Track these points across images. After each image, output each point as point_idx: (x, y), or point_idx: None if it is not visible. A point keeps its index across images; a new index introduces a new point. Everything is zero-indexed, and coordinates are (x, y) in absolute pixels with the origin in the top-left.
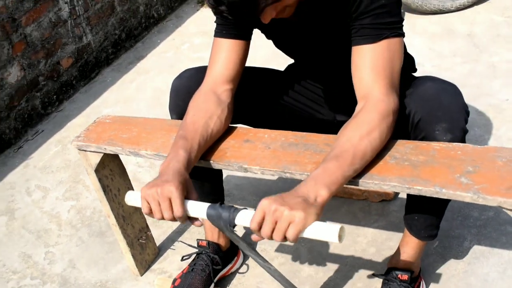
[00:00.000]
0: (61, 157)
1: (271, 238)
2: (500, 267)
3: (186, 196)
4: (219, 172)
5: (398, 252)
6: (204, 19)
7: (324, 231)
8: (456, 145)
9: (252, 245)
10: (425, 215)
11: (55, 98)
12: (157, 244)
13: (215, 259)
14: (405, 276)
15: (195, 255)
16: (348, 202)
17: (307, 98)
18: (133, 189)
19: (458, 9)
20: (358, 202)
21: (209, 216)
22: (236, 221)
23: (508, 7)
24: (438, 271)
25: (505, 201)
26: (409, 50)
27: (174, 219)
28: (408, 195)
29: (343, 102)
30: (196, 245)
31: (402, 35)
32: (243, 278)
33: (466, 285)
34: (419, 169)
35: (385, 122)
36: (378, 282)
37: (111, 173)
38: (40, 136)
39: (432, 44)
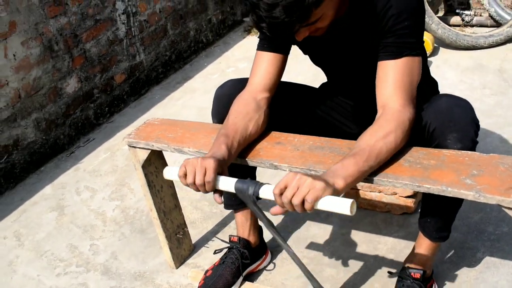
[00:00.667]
0: (109, 163)
1: (290, 204)
2: (510, 276)
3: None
4: (253, 175)
5: (412, 252)
6: (249, 46)
7: (338, 203)
8: (464, 153)
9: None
10: (437, 218)
11: (107, 110)
12: (193, 242)
13: (244, 253)
14: (417, 275)
15: (226, 249)
16: (372, 214)
17: (336, 113)
18: (174, 188)
19: (491, 46)
20: (381, 214)
21: (236, 189)
22: (261, 194)
23: None
24: (450, 277)
25: (503, 200)
26: (441, 83)
27: (202, 186)
28: (423, 200)
29: (368, 117)
30: (228, 241)
31: (420, 54)
32: (269, 275)
33: (472, 284)
34: (429, 171)
35: (400, 128)
36: (394, 281)
37: (156, 170)
38: (91, 144)
39: (464, 77)
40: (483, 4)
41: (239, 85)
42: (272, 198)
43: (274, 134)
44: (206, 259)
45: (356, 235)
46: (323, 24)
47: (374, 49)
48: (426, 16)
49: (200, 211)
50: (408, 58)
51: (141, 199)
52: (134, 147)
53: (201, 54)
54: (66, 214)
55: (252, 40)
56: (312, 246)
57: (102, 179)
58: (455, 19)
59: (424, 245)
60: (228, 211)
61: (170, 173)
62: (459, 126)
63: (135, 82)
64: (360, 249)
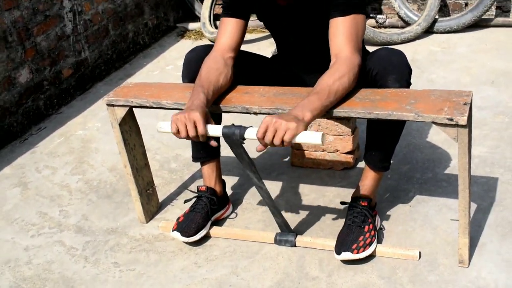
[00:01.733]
0: (65, 146)
1: (272, 143)
2: (436, 208)
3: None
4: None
5: (359, 185)
6: (184, 48)
7: (310, 136)
8: (402, 89)
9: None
10: (380, 150)
11: (55, 102)
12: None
13: (213, 200)
14: (365, 202)
15: (195, 198)
16: (317, 171)
17: (289, 78)
18: (144, 147)
19: (403, 42)
20: (325, 170)
21: (224, 133)
22: (246, 135)
23: (444, 41)
24: (389, 211)
25: (436, 117)
26: None
27: (195, 137)
28: (367, 136)
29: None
30: (196, 191)
31: (364, 13)
32: (233, 222)
33: (411, 219)
34: (376, 103)
35: (352, 71)
36: (345, 212)
37: (130, 130)
38: (43, 131)
39: None
40: (394, 8)
41: (207, 49)
42: (255, 138)
43: (241, 87)
44: (172, 214)
45: (305, 188)
46: None
47: (323, 12)
48: None
49: (161, 178)
50: (355, 15)
51: (102, 173)
52: (113, 105)
53: (139, 55)
54: (30, 189)
55: (186, 43)
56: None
57: (60, 159)
58: (370, 22)
59: (369, 176)
60: (187, 175)
61: (163, 126)
62: (397, 69)
63: (81, 77)
64: (309, 197)
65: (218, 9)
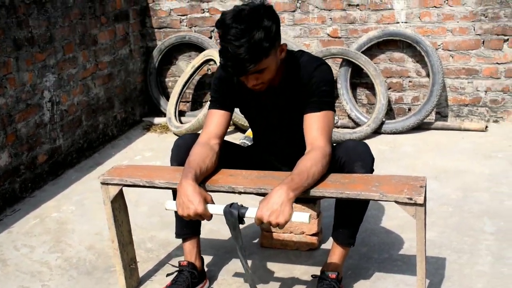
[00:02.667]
0: (40, 226)
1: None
2: (394, 283)
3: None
4: None
5: (328, 259)
6: (150, 140)
7: (299, 216)
8: (367, 174)
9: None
10: (347, 228)
11: (29, 185)
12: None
13: (193, 274)
14: (333, 275)
15: (177, 272)
16: (285, 251)
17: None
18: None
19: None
20: (292, 251)
21: (225, 213)
22: (246, 215)
23: (391, 141)
24: (353, 284)
25: (398, 197)
26: None
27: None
28: (335, 216)
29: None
30: (178, 266)
31: (334, 110)
32: None
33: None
34: (346, 185)
35: (325, 159)
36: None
37: (119, 207)
38: (18, 213)
39: None
40: (346, 111)
41: (194, 137)
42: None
43: (225, 170)
44: (151, 287)
45: (275, 266)
46: (267, 76)
47: (298, 109)
48: None
49: (139, 257)
50: (326, 112)
51: (80, 251)
52: (107, 184)
53: (108, 146)
54: (10, 265)
55: (152, 136)
56: (238, 275)
57: (37, 238)
58: None
59: (337, 252)
60: (163, 254)
61: (171, 206)
62: (362, 157)
63: (54, 163)
64: (279, 274)
65: (182, 106)
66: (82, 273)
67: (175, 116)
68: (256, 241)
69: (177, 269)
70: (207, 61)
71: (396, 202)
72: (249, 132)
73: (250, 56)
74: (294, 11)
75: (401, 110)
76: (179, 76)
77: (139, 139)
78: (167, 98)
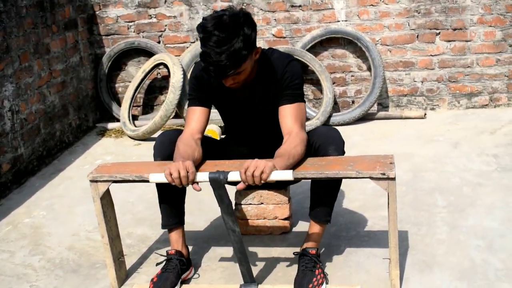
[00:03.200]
0: (15, 232)
1: (252, 177)
2: (365, 256)
3: None
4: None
5: (307, 238)
6: (106, 145)
7: (283, 174)
8: (341, 156)
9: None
10: (323, 206)
11: None
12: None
13: (182, 261)
14: (313, 251)
15: (165, 261)
16: (259, 237)
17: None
18: (116, 221)
19: None
20: (266, 235)
21: (210, 178)
22: (229, 177)
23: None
24: (327, 261)
25: (372, 173)
26: None
27: (185, 178)
28: (311, 197)
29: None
30: (166, 255)
31: (304, 102)
32: (197, 281)
33: (347, 266)
34: (324, 167)
35: (303, 143)
36: (291, 264)
37: (107, 203)
38: None
39: None
40: None
41: (176, 133)
42: (238, 179)
43: (210, 161)
44: (139, 280)
45: (253, 250)
46: (243, 76)
47: (271, 102)
48: None
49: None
50: (299, 103)
51: (61, 252)
52: (97, 181)
53: (65, 152)
54: None
55: (108, 140)
56: (221, 260)
57: (14, 244)
58: None
59: (315, 229)
60: (144, 248)
61: (155, 177)
62: (335, 141)
63: (17, 172)
64: (259, 256)
65: (133, 110)
66: (68, 272)
67: (129, 120)
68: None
69: (166, 257)
70: (157, 65)
71: (371, 178)
72: (210, 131)
73: (231, 62)
74: None
75: (345, 103)
76: (129, 82)
77: (96, 144)
78: (118, 103)
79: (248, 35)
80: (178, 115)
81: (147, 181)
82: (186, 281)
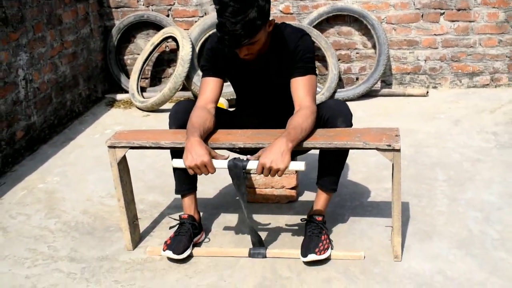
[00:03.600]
0: (30, 197)
1: (268, 175)
2: (368, 224)
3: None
4: None
5: (313, 205)
6: (116, 115)
7: (296, 165)
8: (349, 128)
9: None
10: (330, 175)
11: (10, 160)
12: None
13: (194, 225)
14: (320, 218)
15: (178, 224)
16: (266, 205)
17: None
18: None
19: None
20: (273, 204)
21: (229, 166)
22: (248, 166)
23: None
24: (332, 229)
25: (379, 144)
26: None
27: (207, 173)
28: (319, 166)
29: (271, 123)
30: (179, 218)
31: (316, 75)
32: (208, 244)
33: (351, 234)
34: (333, 137)
35: (313, 115)
36: (297, 230)
37: (124, 169)
38: (3, 187)
39: None
40: None
41: (190, 103)
42: (254, 168)
43: (222, 130)
44: (152, 242)
45: (260, 217)
46: (257, 47)
47: (284, 75)
48: None
49: None
50: (311, 75)
51: (76, 216)
52: (115, 147)
53: (75, 122)
54: (10, 232)
55: (117, 111)
56: (229, 228)
57: (30, 207)
58: None
59: (322, 197)
60: (156, 214)
61: (178, 164)
62: (343, 113)
63: (30, 139)
64: (266, 223)
65: (142, 83)
66: (83, 234)
67: (138, 91)
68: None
69: (179, 221)
70: (166, 39)
71: (377, 149)
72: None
73: (245, 32)
74: None
75: (349, 80)
76: (138, 54)
77: (105, 114)
78: (127, 75)
79: (262, 6)
80: (185, 87)
81: (163, 148)
82: (197, 244)
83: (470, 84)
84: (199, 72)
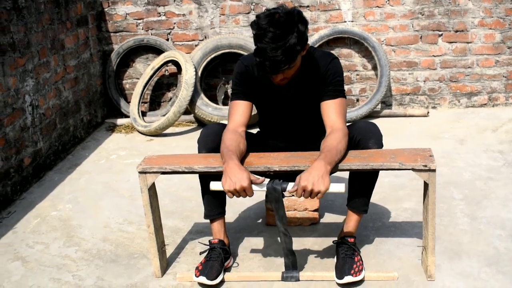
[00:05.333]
0: (45, 224)
1: (308, 197)
2: (394, 245)
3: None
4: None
5: (344, 227)
6: (118, 140)
7: (336, 187)
8: (381, 149)
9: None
10: (362, 197)
11: (19, 188)
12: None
13: (225, 250)
14: (352, 240)
15: (209, 250)
16: (290, 228)
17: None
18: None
19: None
20: (296, 226)
21: (268, 189)
22: (286, 192)
23: None
24: (362, 248)
25: (415, 165)
26: None
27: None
28: (349, 187)
29: (297, 147)
30: (209, 244)
31: (346, 97)
32: (238, 269)
33: (379, 254)
34: (367, 159)
35: (346, 137)
36: (327, 251)
37: (153, 194)
38: (14, 215)
39: None
40: None
41: (221, 126)
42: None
43: (254, 154)
44: (180, 268)
45: None
46: (293, 71)
47: (314, 98)
48: None
49: None
50: (341, 98)
51: (96, 243)
52: (145, 172)
53: (78, 147)
54: (30, 261)
55: (119, 136)
56: (255, 251)
57: (47, 236)
58: None
59: (353, 219)
60: (178, 239)
61: (216, 187)
62: (374, 135)
63: (37, 166)
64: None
65: (142, 107)
66: (107, 262)
67: (139, 116)
68: (260, 221)
69: (209, 246)
70: (166, 63)
71: (413, 169)
72: None
73: (286, 58)
74: (248, 13)
75: (350, 101)
76: (137, 78)
77: (107, 139)
78: (126, 99)
79: (302, 31)
80: (187, 111)
81: (196, 172)
82: (227, 269)
83: (469, 104)
84: (202, 96)
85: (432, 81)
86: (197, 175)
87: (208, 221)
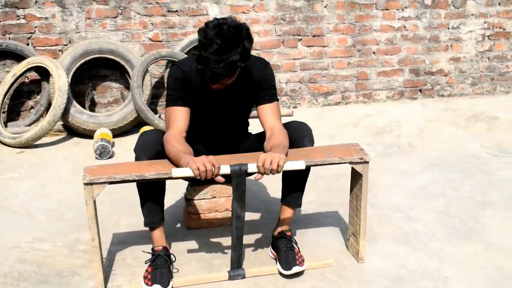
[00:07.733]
0: None
1: (269, 169)
2: (315, 236)
3: None
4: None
5: (280, 222)
6: None
7: (296, 163)
8: (315, 146)
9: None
10: (295, 192)
11: None
12: None
13: (169, 256)
14: (289, 233)
15: (154, 258)
16: (211, 229)
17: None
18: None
19: None
20: (217, 228)
21: (232, 170)
22: (249, 169)
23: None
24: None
25: (352, 158)
26: None
27: (211, 171)
28: (283, 184)
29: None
30: (152, 252)
31: (278, 100)
32: (180, 274)
33: (306, 245)
34: (308, 156)
35: (286, 137)
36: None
37: (95, 207)
38: None
39: None
40: None
41: (158, 133)
42: (255, 170)
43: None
44: (121, 281)
45: (213, 240)
46: (230, 81)
47: (248, 102)
48: None
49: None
50: (276, 102)
51: (13, 266)
52: (92, 184)
53: None
54: None
55: None
56: (191, 251)
57: None
58: None
59: (288, 214)
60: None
61: (179, 171)
62: (307, 134)
63: None
64: (222, 245)
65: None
66: (37, 283)
67: (2, 127)
68: (179, 225)
69: (154, 254)
70: (30, 69)
71: (351, 162)
72: (104, 134)
73: (227, 71)
74: (116, 17)
75: None
76: None
77: None
78: None
79: (247, 49)
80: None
81: (148, 180)
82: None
83: (325, 102)
84: (75, 103)
85: (293, 83)
86: (133, 184)
87: (138, 229)
